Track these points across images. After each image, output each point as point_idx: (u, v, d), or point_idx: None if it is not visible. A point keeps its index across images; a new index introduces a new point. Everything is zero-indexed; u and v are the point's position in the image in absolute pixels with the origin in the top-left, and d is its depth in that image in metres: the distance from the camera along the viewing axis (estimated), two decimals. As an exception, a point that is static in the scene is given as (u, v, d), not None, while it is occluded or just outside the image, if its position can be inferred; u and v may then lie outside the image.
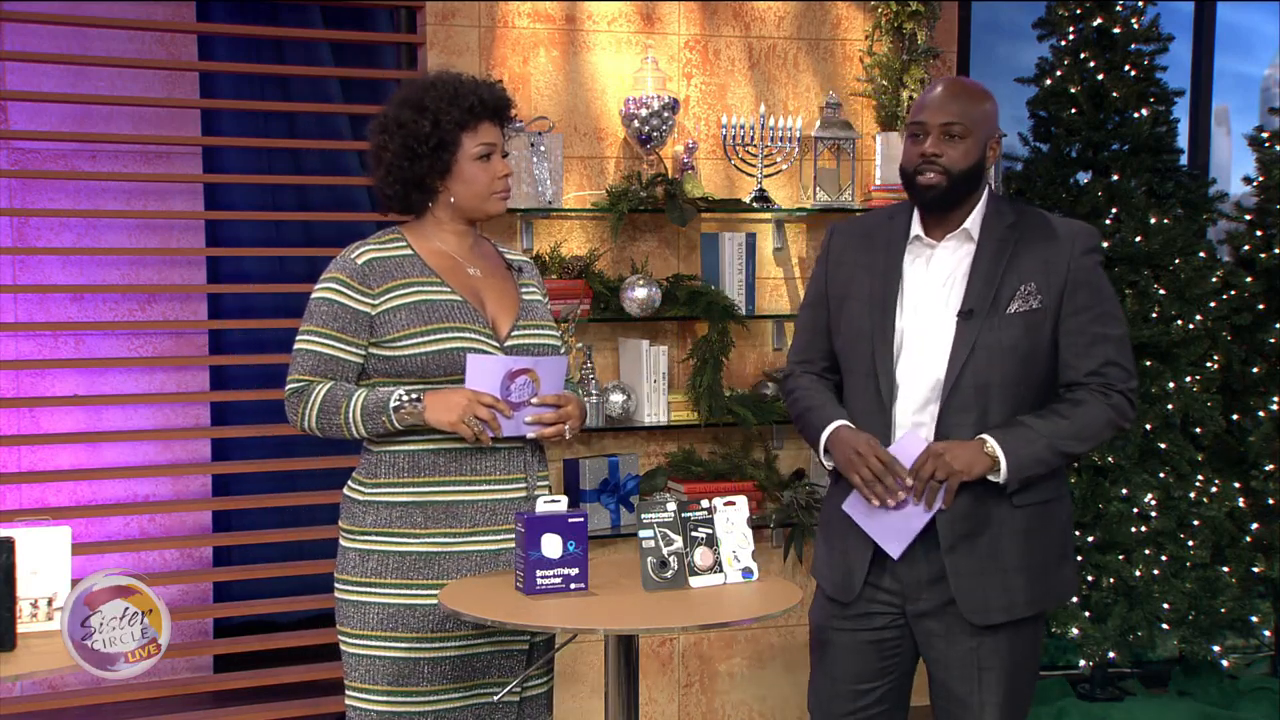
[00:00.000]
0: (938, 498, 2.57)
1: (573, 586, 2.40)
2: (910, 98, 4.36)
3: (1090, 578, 4.51)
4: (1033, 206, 2.85)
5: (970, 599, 2.63)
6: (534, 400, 2.60)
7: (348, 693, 2.67)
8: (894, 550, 2.63)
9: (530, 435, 2.63)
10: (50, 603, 2.36)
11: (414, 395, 2.56)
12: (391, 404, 2.56)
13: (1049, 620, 4.52)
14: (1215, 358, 4.67)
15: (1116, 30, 4.62)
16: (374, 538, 2.63)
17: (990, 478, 2.59)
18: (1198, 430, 4.61)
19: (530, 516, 2.39)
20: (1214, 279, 4.65)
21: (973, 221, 2.71)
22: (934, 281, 2.70)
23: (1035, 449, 2.60)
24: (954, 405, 2.62)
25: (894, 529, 2.62)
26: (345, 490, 2.71)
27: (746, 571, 2.52)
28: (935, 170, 2.66)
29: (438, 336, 2.60)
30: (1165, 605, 4.45)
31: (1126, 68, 4.62)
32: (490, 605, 2.33)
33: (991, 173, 4.27)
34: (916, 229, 2.74)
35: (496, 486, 2.65)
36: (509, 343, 2.68)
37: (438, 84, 2.67)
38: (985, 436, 2.59)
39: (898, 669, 2.77)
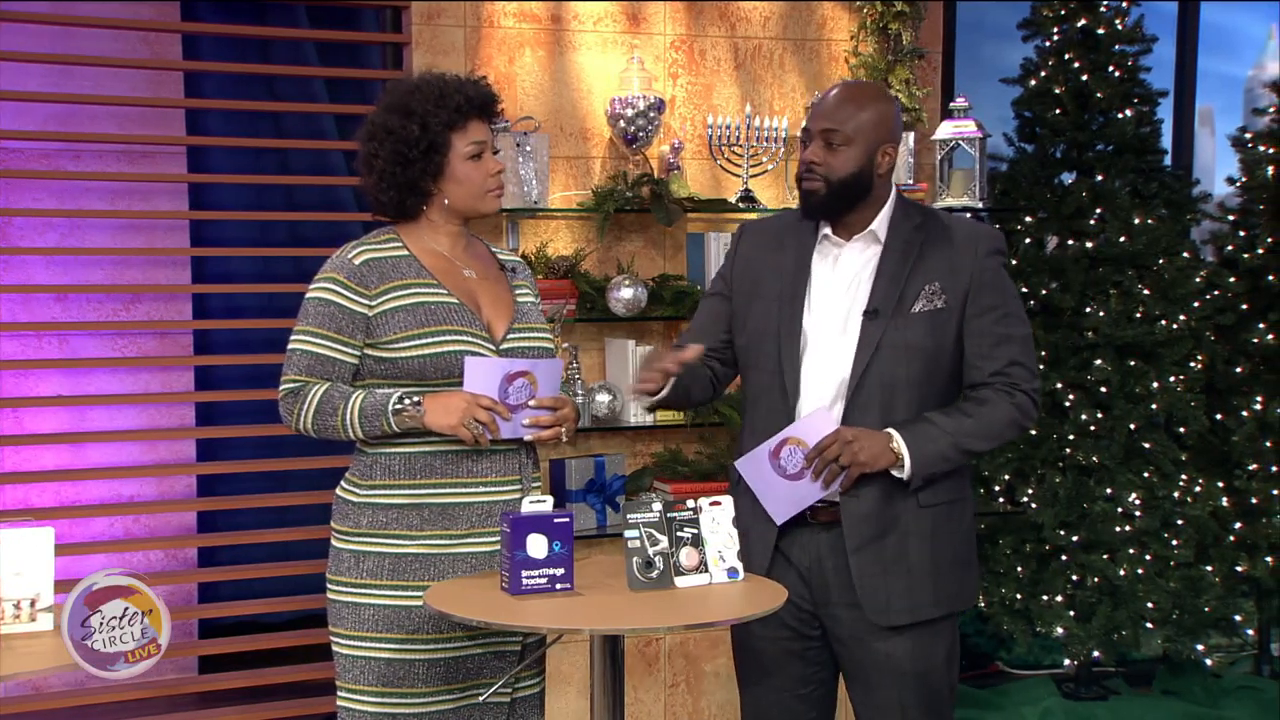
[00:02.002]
0: (835, 482, 2.59)
1: (558, 587, 2.40)
2: (895, 98, 4.37)
3: (1075, 577, 4.52)
4: (941, 210, 2.87)
5: (874, 599, 2.65)
6: (531, 403, 2.60)
7: (339, 693, 2.66)
8: (778, 517, 2.65)
9: (528, 438, 2.63)
10: (33, 604, 2.36)
11: (414, 398, 2.55)
12: (391, 407, 2.55)
13: (1034, 619, 4.54)
14: (1199, 357, 4.69)
15: (1101, 31, 4.64)
16: (369, 539, 2.62)
17: (894, 473, 2.61)
18: (1182, 430, 4.63)
19: (516, 517, 2.39)
20: (1198, 279, 4.67)
21: (879, 223, 2.73)
22: (840, 281, 2.72)
23: (939, 446, 2.62)
24: (859, 403, 2.64)
25: (783, 497, 2.64)
26: (338, 491, 2.70)
27: (732, 571, 2.52)
28: (814, 178, 2.67)
29: (435, 339, 2.59)
30: (1150, 604, 4.47)
31: (1111, 68, 4.64)
32: (476, 606, 2.33)
33: (979, 173, 4.31)
34: (825, 228, 2.75)
35: (492, 488, 2.65)
36: (504, 345, 2.67)
37: (422, 86, 2.66)
38: (891, 431, 2.61)
39: (821, 675, 2.79)
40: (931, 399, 2.68)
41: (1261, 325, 4.80)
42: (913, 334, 2.65)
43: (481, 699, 2.64)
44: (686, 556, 2.49)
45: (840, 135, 2.66)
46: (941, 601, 2.70)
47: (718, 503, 2.56)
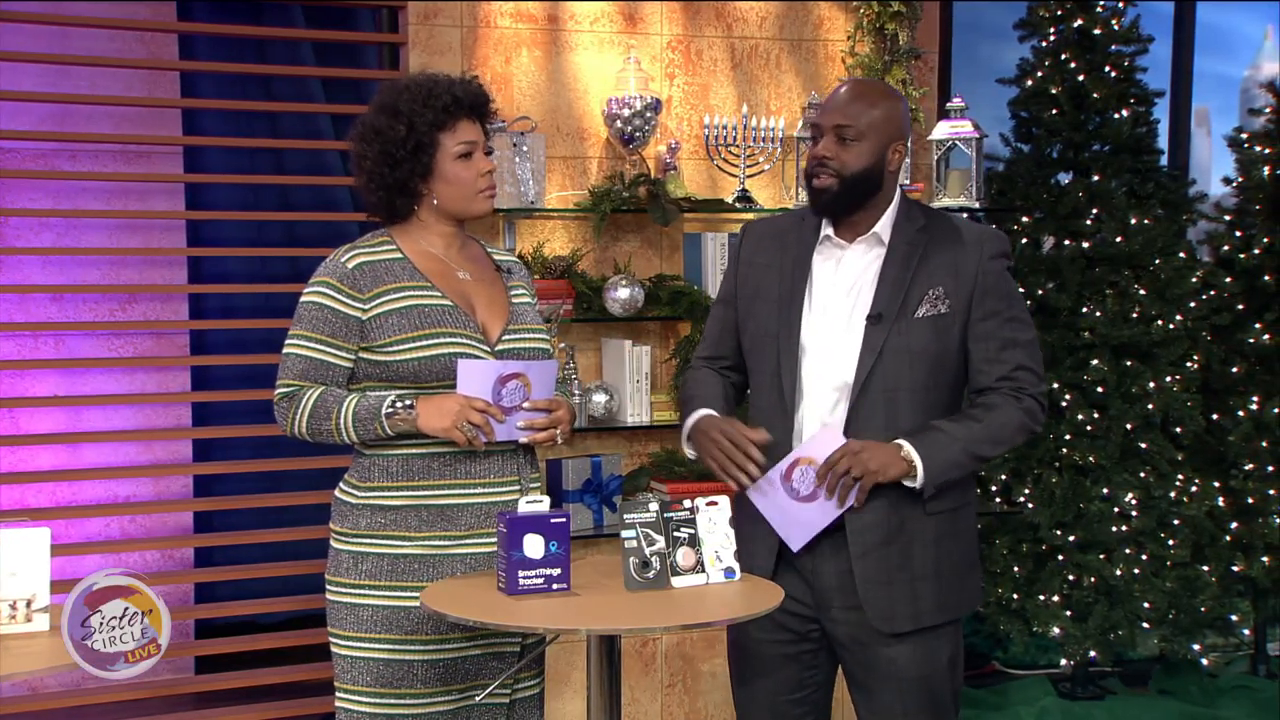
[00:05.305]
0: (850, 495, 2.56)
1: (555, 587, 2.39)
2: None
3: (1071, 577, 4.53)
4: (944, 211, 2.84)
5: (877, 606, 2.62)
6: (525, 405, 2.59)
7: (338, 694, 2.66)
8: (794, 543, 2.63)
9: (523, 440, 2.62)
10: (29, 604, 2.36)
11: (406, 401, 2.55)
12: (384, 410, 2.54)
13: (1031, 619, 4.54)
14: (1195, 358, 4.70)
15: (1097, 31, 4.65)
16: (368, 540, 2.62)
17: (906, 483, 2.58)
18: (1178, 430, 4.64)
19: (512, 516, 2.39)
20: (1194, 279, 4.68)
21: (883, 225, 2.70)
22: (842, 284, 2.69)
23: (950, 453, 2.59)
24: (862, 410, 2.61)
25: (798, 522, 2.61)
26: (337, 493, 2.70)
27: (729, 571, 2.52)
28: (827, 173, 2.64)
29: (429, 342, 2.59)
30: (1146, 604, 4.47)
31: (1107, 69, 4.65)
32: (472, 605, 2.33)
33: (976, 173, 4.32)
34: (827, 230, 2.72)
35: (490, 490, 2.64)
36: (500, 347, 2.66)
37: (411, 86, 2.65)
38: (901, 441, 2.58)
39: (817, 679, 2.77)
40: (935, 405, 2.64)
41: (1258, 325, 4.81)
42: (916, 339, 2.61)
43: (477, 699, 2.64)
44: (683, 556, 2.49)
45: (853, 130, 2.63)
46: (945, 607, 2.67)
47: (714, 503, 2.55)
